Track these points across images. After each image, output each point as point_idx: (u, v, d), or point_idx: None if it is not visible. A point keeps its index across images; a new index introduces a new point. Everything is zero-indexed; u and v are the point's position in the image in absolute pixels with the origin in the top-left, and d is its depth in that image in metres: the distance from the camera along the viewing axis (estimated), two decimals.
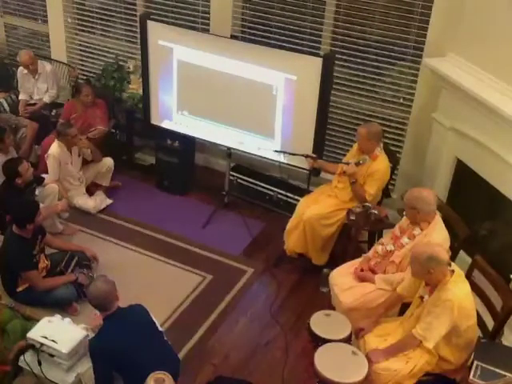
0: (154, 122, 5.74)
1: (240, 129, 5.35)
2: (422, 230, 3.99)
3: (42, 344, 3.57)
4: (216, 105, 5.36)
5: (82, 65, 6.75)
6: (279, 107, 5.06)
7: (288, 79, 4.89)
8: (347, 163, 4.68)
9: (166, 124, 5.69)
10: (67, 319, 3.85)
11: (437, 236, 3.90)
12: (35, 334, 3.64)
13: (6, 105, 6.45)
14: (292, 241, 4.93)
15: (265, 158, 5.38)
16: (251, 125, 5.28)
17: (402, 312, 3.94)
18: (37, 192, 5.22)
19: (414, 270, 3.54)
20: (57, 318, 3.80)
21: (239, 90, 5.16)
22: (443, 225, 4.00)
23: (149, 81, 5.56)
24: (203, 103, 5.42)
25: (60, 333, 3.63)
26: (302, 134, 5.03)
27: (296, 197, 5.45)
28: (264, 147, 5.28)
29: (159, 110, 5.65)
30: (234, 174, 5.90)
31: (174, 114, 5.61)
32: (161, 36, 5.31)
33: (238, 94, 5.18)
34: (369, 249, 4.51)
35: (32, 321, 4.02)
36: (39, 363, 3.57)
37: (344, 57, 5.33)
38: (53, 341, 3.56)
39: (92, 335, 3.64)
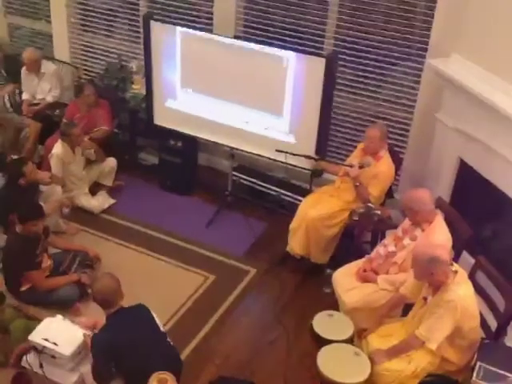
0: (157, 122, 5.73)
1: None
2: (423, 230, 3.99)
3: (43, 347, 3.57)
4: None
5: (86, 65, 6.75)
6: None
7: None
8: (350, 166, 4.67)
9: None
10: (68, 320, 3.85)
11: (438, 236, 3.90)
12: (37, 336, 3.64)
13: (8, 104, 6.43)
14: (295, 241, 4.92)
15: (267, 157, 5.35)
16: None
17: (405, 313, 3.94)
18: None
19: (416, 271, 3.54)
20: (58, 319, 3.81)
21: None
22: (445, 225, 3.99)
23: (152, 81, 5.55)
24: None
25: (61, 334, 3.64)
26: (305, 133, 5.01)
27: (299, 197, 5.42)
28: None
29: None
30: (237, 174, 5.90)
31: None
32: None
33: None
34: (372, 249, 4.50)
35: (35, 320, 4.03)
36: (41, 365, 3.58)
37: (347, 57, 5.31)
38: (54, 343, 3.56)
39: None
